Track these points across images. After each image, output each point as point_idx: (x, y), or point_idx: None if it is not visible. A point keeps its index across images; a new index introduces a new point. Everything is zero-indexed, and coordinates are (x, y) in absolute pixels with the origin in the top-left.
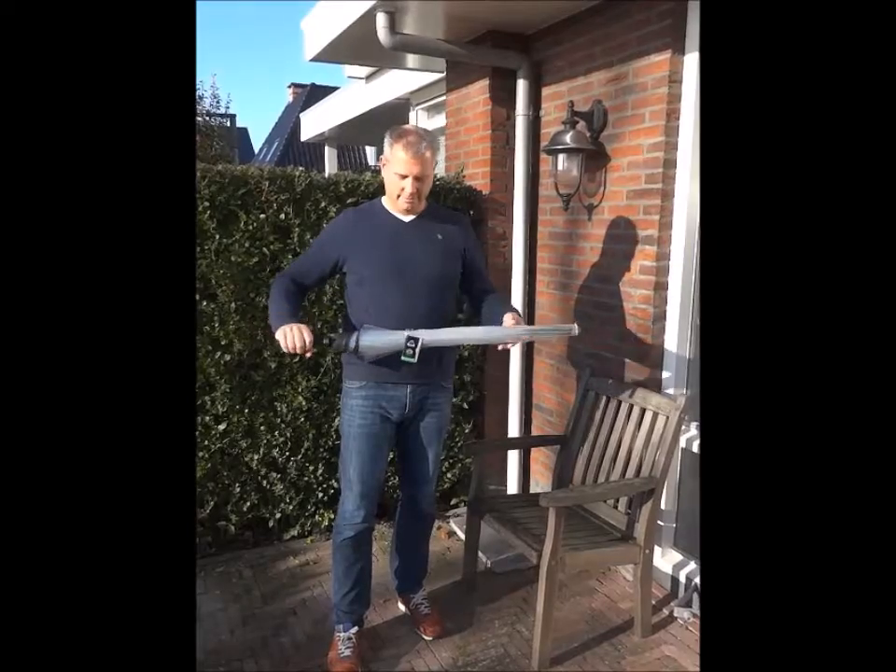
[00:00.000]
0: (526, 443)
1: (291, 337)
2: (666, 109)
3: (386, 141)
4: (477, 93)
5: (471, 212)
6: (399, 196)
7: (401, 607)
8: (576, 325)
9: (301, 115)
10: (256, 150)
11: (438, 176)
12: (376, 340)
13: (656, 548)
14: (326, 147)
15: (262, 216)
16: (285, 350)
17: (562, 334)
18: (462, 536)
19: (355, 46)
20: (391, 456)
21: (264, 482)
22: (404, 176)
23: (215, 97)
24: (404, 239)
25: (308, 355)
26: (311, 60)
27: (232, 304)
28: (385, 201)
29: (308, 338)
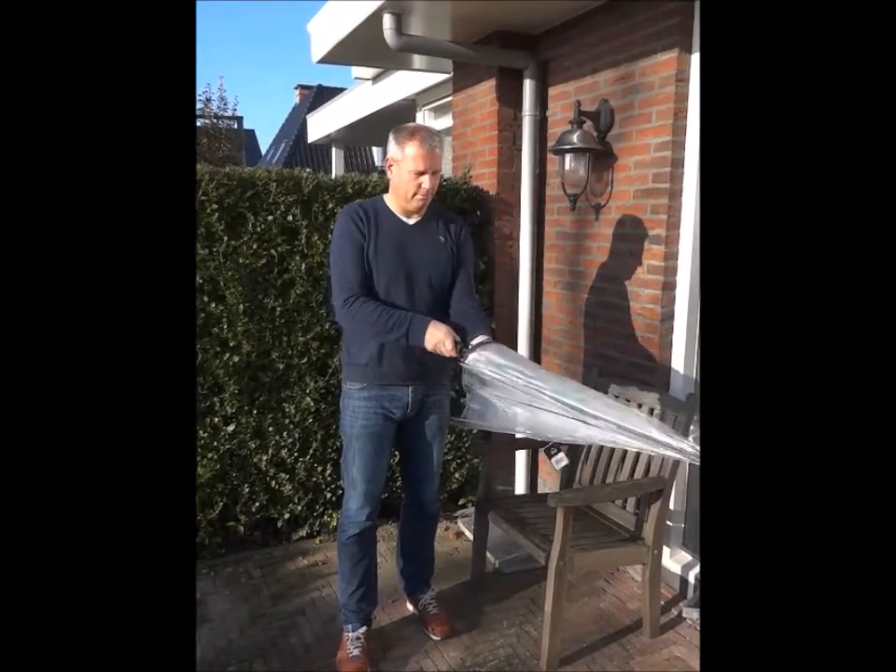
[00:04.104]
0: (534, 443)
1: (441, 336)
2: (674, 108)
3: (394, 140)
4: (484, 94)
5: (478, 212)
6: (414, 195)
7: (410, 607)
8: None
9: (307, 116)
10: (263, 152)
11: (444, 177)
12: (485, 369)
13: (665, 548)
14: (333, 149)
15: (270, 217)
16: (437, 350)
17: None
18: (470, 536)
19: (361, 47)
20: (396, 458)
21: (273, 482)
22: (421, 173)
23: (222, 99)
24: (411, 244)
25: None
26: (318, 61)
27: (241, 306)
28: (389, 202)
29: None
